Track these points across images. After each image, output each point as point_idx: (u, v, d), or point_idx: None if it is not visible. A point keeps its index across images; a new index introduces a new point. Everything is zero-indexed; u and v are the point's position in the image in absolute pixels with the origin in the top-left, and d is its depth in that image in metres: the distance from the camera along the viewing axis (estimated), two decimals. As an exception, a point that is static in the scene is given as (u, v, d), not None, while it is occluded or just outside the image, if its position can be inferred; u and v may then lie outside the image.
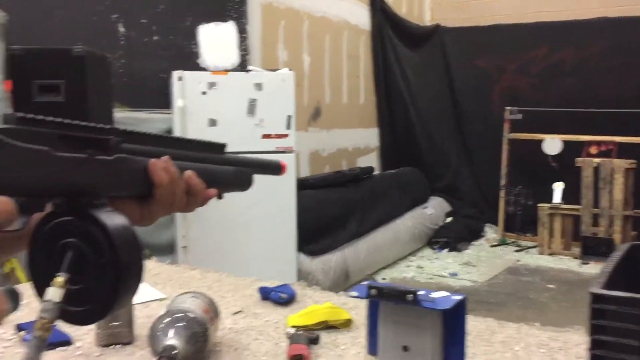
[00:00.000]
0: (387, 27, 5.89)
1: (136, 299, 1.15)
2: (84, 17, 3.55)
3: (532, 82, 6.06)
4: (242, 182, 0.80)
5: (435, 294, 0.79)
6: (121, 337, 1.10)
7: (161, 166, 0.63)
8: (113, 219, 0.50)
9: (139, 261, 0.51)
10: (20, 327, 1.12)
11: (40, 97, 2.30)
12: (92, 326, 1.11)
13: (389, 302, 0.79)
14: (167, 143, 0.66)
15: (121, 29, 3.77)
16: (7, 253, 0.60)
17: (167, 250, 3.38)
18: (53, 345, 1.08)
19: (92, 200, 0.51)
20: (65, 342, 1.10)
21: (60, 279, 0.46)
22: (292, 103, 3.49)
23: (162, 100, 3.54)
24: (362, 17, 5.74)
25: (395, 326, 0.81)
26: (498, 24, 6.13)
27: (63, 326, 1.17)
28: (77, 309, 0.49)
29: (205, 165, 0.71)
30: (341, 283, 3.97)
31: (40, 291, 0.48)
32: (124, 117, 3.32)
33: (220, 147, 0.76)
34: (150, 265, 1.64)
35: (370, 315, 0.84)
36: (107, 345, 1.09)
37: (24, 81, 2.29)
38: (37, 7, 3.28)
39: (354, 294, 0.81)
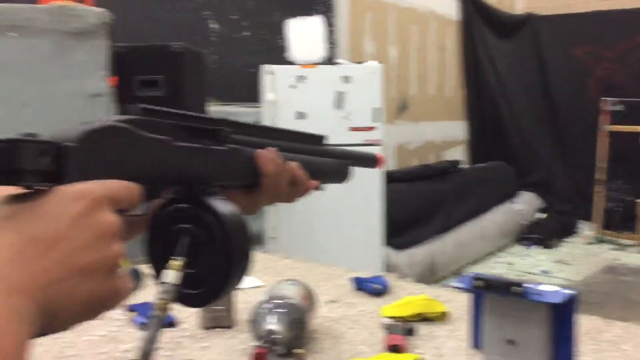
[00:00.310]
0: (476, 17, 5.73)
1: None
2: (178, 15, 3.69)
3: (632, 71, 5.72)
4: (341, 174, 0.81)
5: (544, 287, 0.77)
6: (223, 321, 1.14)
7: (269, 157, 0.65)
8: (226, 207, 0.52)
9: (248, 247, 0.53)
10: (131, 308, 1.18)
11: (141, 91, 2.41)
12: (193, 310, 1.16)
13: (495, 294, 0.77)
14: (272, 134, 0.68)
15: (212, 26, 3.89)
16: (126, 237, 0.63)
17: (256, 240, 3.47)
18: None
19: (205, 189, 0.54)
20: (171, 323, 1.16)
21: (177, 262, 0.49)
22: (379, 95, 3.47)
23: (251, 94, 3.62)
24: (449, 7, 5.62)
25: (500, 319, 0.79)
26: (595, 10, 5.83)
27: (169, 309, 1.23)
28: (191, 291, 0.51)
29: (307, 156, 0.72)
30: (427, 277, 3.93)
31: (157, 273, 0.51)
32: (215, 110, 3.42)
33: (320, 139, 0.77)
34: (246, 254, 1.69)
35: (474, 307, 0.83)
36: (210, 328, 1.14)
37: (127, 77, 2.41)
38: (138, 7, 3.44)
39: (456, 284, 0.80)
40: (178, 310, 1.22)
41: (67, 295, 0.39)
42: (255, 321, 1.01)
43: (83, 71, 2.25)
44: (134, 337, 1.10)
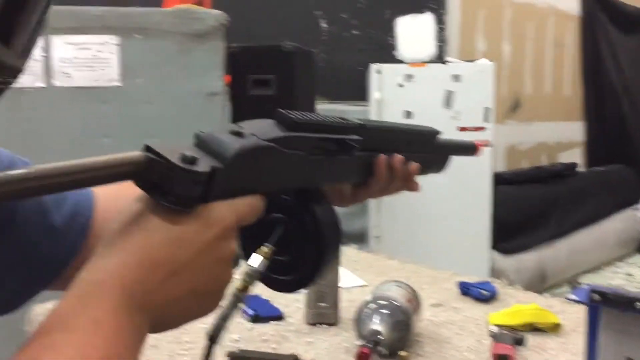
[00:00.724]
0: (599, 12, 5.40)
1: (340, 283, 1.20)
2: (290, 15, 3.78)
3: None
4: (440, 165, 0.81)
5: (671, 305, 0.71)
6: (327, 318, 1.16)
7: (386, 164, 0.66)
8: (323, 204, 0.54)
9: (338, 243, 0.55)
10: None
11: (254, 90, 2.50)
12: (302, 304, 1.19)
13: (615, 309, 0.73)
14: (391, 133, 0.68)
15: (323, 25, 3.95)
16: None
17: (359, 238, 3.48)
18: (267, 319, 1.18)
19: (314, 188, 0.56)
20: (278, 316, 1.19)
21: (265, 249, 0.51)
22: (491, 95, 3.37)
23: (359, 92, 3.64)
24: (570, 2, 5.33)
25: (620, 335, 0.74)
26: None
27: (277, 302, 1.27)
28: (283, 277, 0.54)
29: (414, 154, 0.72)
30: (536, 285, 3.76)
31: (247, 256, 0.53)
32: (323, 109, 3.47)
33: (434, 133, 0.76)
34: (350, 253, 1.71)
35: (590, 321, 0.78)
36: (315, 324, 1.16)
37: (240, 76, 2.51)
38: (252, 8, 3.56)
39: (571, 297, 0.76)
40: (285, 305, 1.26)
41: (180, 310, 0.44)
42: (360, 320, 1.02)
43: (201, 71, 2.36)
44: (243, 329, 1.14)
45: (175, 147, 0.42)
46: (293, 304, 1.26)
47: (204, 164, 0.42)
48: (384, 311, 1.01)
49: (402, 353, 0.99)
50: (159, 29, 2.31)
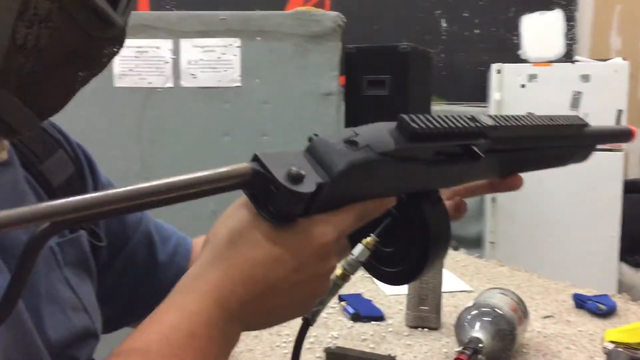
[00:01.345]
0: None
1: (444, 287, 1.18)
2: (410, 14, 3.74)
3: None
4: (583, 155, 0.75)
5: None
6: (428, 322, 1.14)
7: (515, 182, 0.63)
8: (433, 203, 0.53)
9: (447, 243, 0.53)
10: (341, 298, 1.24)
11: (368, 91, 2.50)
12: (403, 306, 1.18)
13: None
14: (526, 130, 0.60)
15: (443, 24, 3.87)
16: None
17: (474, 243, 3.37)
18: (368, 319, 1.18)
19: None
20: (379, 317, 1.19)
21: (369, 239, 0.51)
22: (624, 96, 3.13)
23: (478, 93, 3.53)
24: None
25: None
26: None
27: (379, 303, 1.27)
28: (386, 269, 0.54)
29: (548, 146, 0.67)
30: (672, 303, 3.44)
31: (352, 245, 0.53)
32: (440, 110, 3.41)
33: (581, 126, 0.70)
34: (459, 257, 1.66)
35: None
36: (415, 327, 1.15)
37: (355, 77, 2.53)
38: (372, 8, 3.58)
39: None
40: (387, 307, 1.25)
41: (272, 318, 0.46)
42: (460, 326, 1.00)
43: (317, 72, 2.41)
44: (343, 326, 1.15)
45: (285, 157, 0.42)
46: (395, 305, 1.25)
47: (310, 183, 0.41)
48: (486, 318, 0.97)
49: (504, 363, 0.96)
50: (278, 30, 2.39)
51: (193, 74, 2.43)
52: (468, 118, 0.52)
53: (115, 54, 0.54)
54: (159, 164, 2.43)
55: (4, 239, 0.49)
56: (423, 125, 0.46)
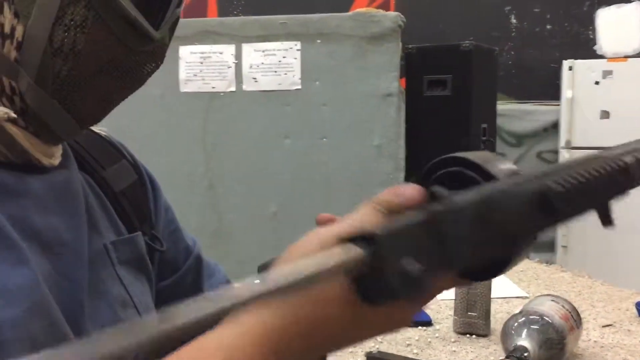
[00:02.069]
0: None
1: (497, 293, 1.14)
2: (478, 11, 3.66)
3: None
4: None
5: None
6: (477, 328, 1.11)
7: None
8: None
9: None
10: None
11: (429, 91, 2.47)
12: (451, 312, 1.15)
13: None
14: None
15: (513, 21, 3.76)
16: None
17: (546, 247, 3.25)
18: (415, 323, 1.16)
19: None
20: (427, 322, 1.17)
21: None
22: None
23: (551, 91, 3.40)
24: None
25: None
26: None
27: (428, 308, 1.25)
28: None
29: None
30: None
31: None
32: (508, 109, 3.31)
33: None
34: (518, 261, 1.61)
35: None
36: (463, 334, 1.12)
37: (415, 77, 2.49)
38: (437, 6, 3.52)
39: None
40: (436, 312, 1.23)
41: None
42: (506, 334, 0.96)
43: (377, 73, 2.39)
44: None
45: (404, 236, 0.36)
46: (445, 310, 1.23)
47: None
48: (534, 327, 0.94)
49: (552, 374, 0.92)
50: (338, 32, 2.39)
51: (254, 78, 2.47)
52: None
53: (153, 70, 0.56)
54: (222, 167, 2.49)
55: (37, 222, 0.51)
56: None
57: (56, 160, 0.55)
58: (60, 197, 0.54)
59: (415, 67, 2.50)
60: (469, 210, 0.37)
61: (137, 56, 0.52)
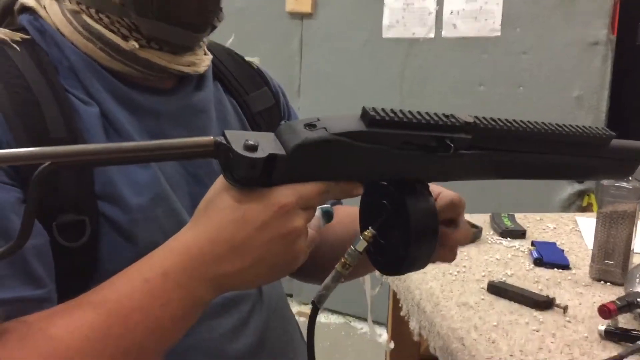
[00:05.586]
0: None
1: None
2: None
3: None
4: (617, 170, 0.69)
5: None
6: (612, 276, 1.10)
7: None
8: (418, 198, 0.55)
9: (429, 235, 0.55)
10: (532, 243, 1.25)
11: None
12: (589, 258, 1.15)
13: None
14: (507, 132, 0.58)
15: None
16: None
17: None
18: (551, 265, 1.18)
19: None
20: (564, 265, 1.18)
21: (367, 232, 0.56)
22: None
23: None
24: None
25: None
26: None
27: (573, 254, 1.26)
28: (380, 259, 0.59)
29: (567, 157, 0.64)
30: None
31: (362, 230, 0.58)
32: None
33: (606, 139, 0.65)
34: None
35: None
36: (598, 280, 1.11)
37: (629, 24, 2.29)
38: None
39: None
40: (581, 258, 1.23)
41: (245, 279, 0.49)
42: (629, 280, 0.96)
43: (585, 20, 2.25)
44: (522, 268, 1.18)
45: (250, 135, 0.48)
46: (586, 258, 1.22)
47: (263, 152, 0.46)
48: (659, 276, 0.92)
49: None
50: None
51: (454, 24, 2.50)
52: (446, 115, 0.54)
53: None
54: (416, 111, 2.58)
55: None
56: (383, 114, 0.50)
57: (200, 68, 0.68)
58: (192, 115, 0.68)
59: (631, 12, 2.29)
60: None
61: None
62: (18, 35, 0.61)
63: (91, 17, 0.61)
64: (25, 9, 0.64)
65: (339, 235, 0.76)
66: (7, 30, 0.61)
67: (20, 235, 0.40)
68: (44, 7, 0.63)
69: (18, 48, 0.59)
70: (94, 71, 0.61)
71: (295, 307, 2.78)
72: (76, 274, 0.55)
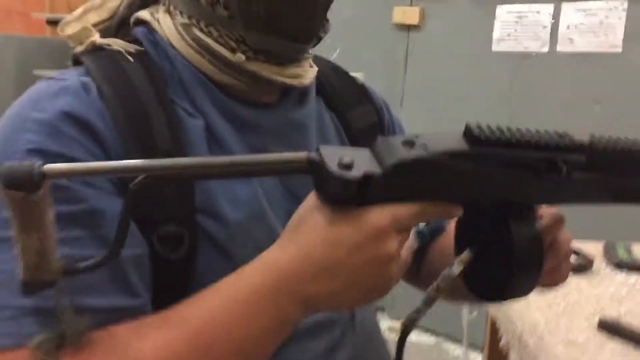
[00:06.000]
0: None
1: None
2: None
3: None
4: None
5: None
6: None
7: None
8: (522, 221, 0.51)
9: (534, 261, 0.51)
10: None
11: None
12: None
13: None
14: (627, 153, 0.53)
15: None
16: None
17: None
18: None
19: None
20: None
21: (464, 255, 0.52)
22: None
23: None
24: None
25: None
26: None
27: None
28: (479, 285, 0.54)
29: None
30: None
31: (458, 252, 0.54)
32: None
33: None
34: None
35: None
36: None
37: None
38: None
39: None
40: None
41: (335, 302, 0.48)
42: None
43: None
44: (638, 304, 1.08)
45: (347, 151, 0.46)
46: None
47: (357, 171, 0.44)
48: None
49: None
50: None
51: (570, 39, 2.37)
52: (559, 133, 0.49)
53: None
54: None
55: None
56: (488, 133, 0.46)
57: (306, 80, 0.67)
58: (293, 130, 0.67)
59: None
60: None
61: None
62: (132, 47, 0.62)
63: (201, 30, 0.62)
64: (141, 22, 0.66)
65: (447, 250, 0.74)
66: (122, 41, 0.63)
67: (114, 245, 0.41)
68: (158, 21, 0.65)
69: (132, 59, 0.61)
70: (202, 84, 0.62)
71: (386, 322, 2.73)
72: (171, 288, 0.55)
